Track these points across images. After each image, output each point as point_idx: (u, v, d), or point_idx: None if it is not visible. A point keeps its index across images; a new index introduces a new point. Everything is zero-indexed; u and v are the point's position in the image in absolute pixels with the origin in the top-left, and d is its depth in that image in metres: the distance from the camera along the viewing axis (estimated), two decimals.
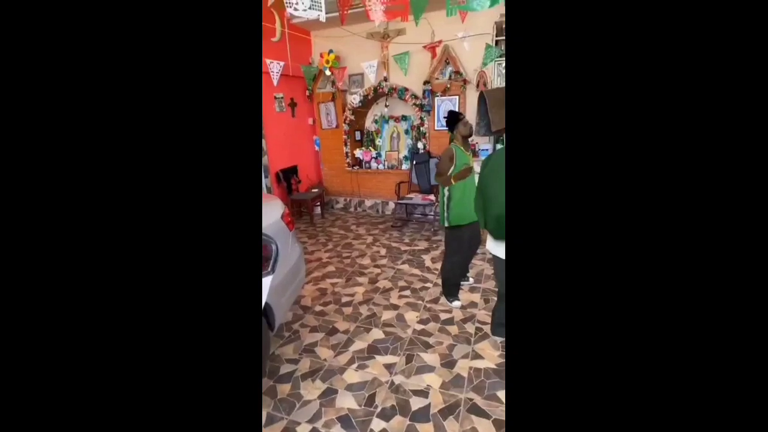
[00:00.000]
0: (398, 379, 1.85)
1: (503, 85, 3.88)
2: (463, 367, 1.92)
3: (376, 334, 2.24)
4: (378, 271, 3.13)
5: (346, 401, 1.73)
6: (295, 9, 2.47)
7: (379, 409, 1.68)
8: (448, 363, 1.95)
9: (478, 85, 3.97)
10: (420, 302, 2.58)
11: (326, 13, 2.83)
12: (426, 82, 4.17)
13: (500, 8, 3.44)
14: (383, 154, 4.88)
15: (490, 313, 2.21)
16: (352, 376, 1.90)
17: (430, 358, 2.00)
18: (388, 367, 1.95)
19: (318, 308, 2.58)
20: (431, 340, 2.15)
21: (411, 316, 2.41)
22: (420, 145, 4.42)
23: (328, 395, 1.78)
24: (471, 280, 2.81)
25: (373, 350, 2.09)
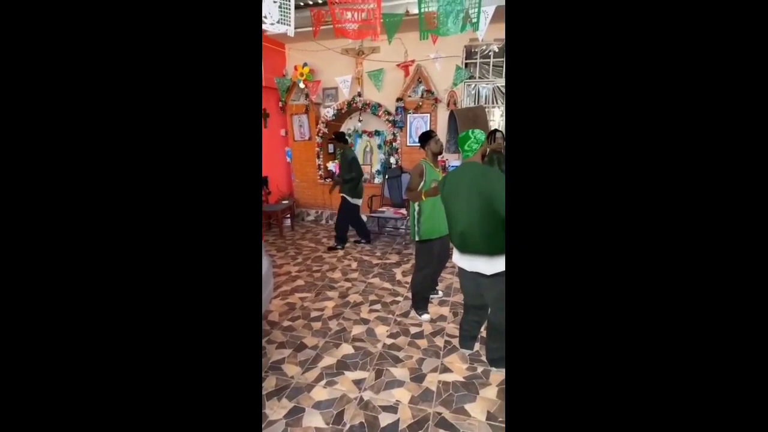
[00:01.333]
0: (367, 395, 1.83)
1: (472, 104, 4.06)
2: (432, 380, 1.93)
3: (346, 349, 2.21)
4: (349, 284, 3.11)
5: (314, 420, 1.68)
6: (263, 21, 2.48)
7: (347, 427, 1.64)
8: (418, 377, 1.95)
9: (448, 104, 4.12)
10: (390, 316, 2.58)
11: (300, 27, 2.85)
12: (399, 99, 4.28)
13: (470, 34, 3.63)
14: None
15: (458, 326, 2.25)
16: (320, 393, 1.85)
17: (400, 372, 2.00)
18: (358, 382, 1.92)
19: (286, 323, 2.51)
20: (401, 354, 2.15)
21: (381, 330, 2.40)
22: (393, 160, 4.49)
23: (295, 414, 1.72)
24: (440, 293, 2.85)
25: (342, 366, 2.05)
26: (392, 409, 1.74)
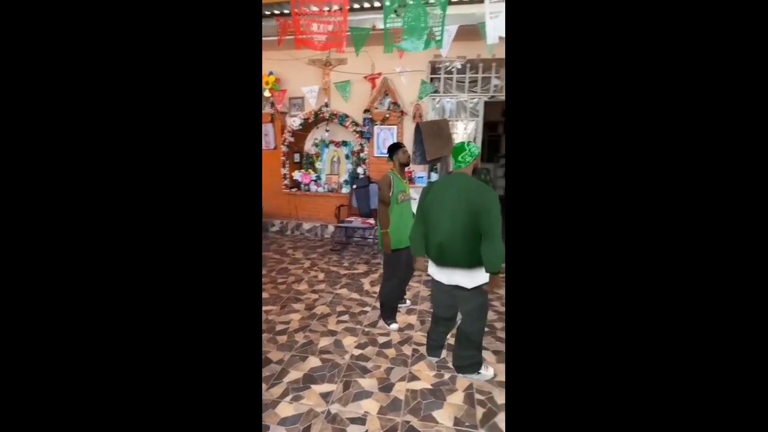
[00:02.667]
0: (335, 408, 1.79)
1: (437, 118, 4.20)
2: (400, 389, 1.93)
3: (313, 362, 2.16)
4: (315, 296, 3.05)
5: None
6: None
7: None
8: (386, 387, 1.95)
9: (414, 117, 4.23)
10: (358, 327, 2.56)
11: (267, 36, 2.83)
12: (366, 111, 4.33)
13: (434, 50, 3.79)
14: (323, 177, 4.88)
15: (426, 335, 2.28)
16: (285, 409, 1.79)
17: (368, 383, 1.98)
18: (325, 396, 1.88)
19: None
20: (369, 365, 2.13)
21: (349, 341, 2.38)
22: (360, 170, 4.52)
23: None
24: (408, 302, 2.87)
25: (308, 380, 2.00)
26: (360, 420, 1.72)
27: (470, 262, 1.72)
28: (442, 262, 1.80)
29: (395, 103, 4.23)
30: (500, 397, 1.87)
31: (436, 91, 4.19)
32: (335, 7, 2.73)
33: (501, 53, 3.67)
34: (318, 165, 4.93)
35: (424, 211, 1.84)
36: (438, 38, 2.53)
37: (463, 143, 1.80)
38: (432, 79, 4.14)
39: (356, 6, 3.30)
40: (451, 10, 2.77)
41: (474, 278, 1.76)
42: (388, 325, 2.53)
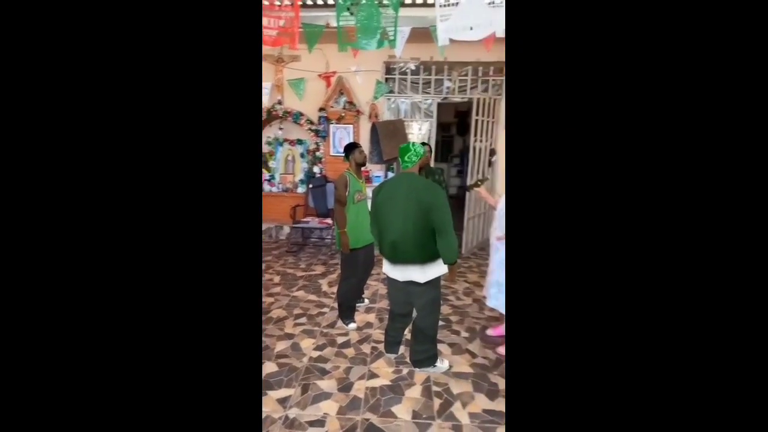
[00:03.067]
0: (293, 413, 1.75)
1: (393, 118, 4.26)
2: (359, 388, 1.93)
3: (269, 367, 2.09)
4: (271, 300, 2.96)
5: None
6: None
7: None
8: (345, 387, 1.94)
9: (370, 117, 4.25)
10: (317, 328, 2.53)
11: None
12: (321, 109, 4.27)
13: (389, 50, 3.83)
14: (277, 176, 4.73)
15: (384, 332, 2.30)
16: None
17: (327, 384, 1.96)
18: (282, 401, 1.83)
19: None
20: (328, 366, 2.11)
21: (307, 344, 2.34)
22: (317, 169, 4.44)
23: None
24: (366, 301, 2.89)
25: (265, 386, 1.94)
26: (320, 423, 1.70)
27: (423, 257, 1.78)
28: (396, 259, 1.84)
29: (351, 102, 4.22)
30: (456, 388, 1.94)
31: (391, 92, 4.24)
32: (286, 2, 2.66)
33: (453, 56, 3.80)
34: (272, 164, 4.77)
35: (376, 211, 1.88)
36: (391, 38, 2.57)
37: (408, 144, 1.86)
38: (387, 80, 4.19)
39: (309, 2, 3.24)
40: (404, 12, 2.82)
41: (426, 273, 1.82)
42: (347, 324, 2.53)
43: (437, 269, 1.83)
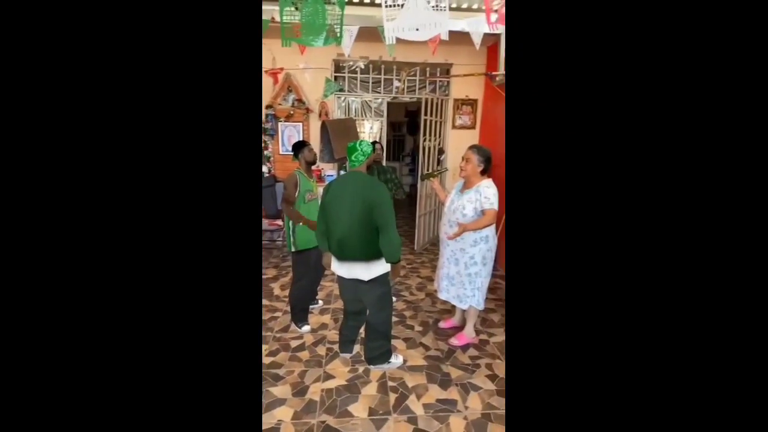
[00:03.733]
0: None
1: (343, 116, 4.23)
2: (314, 391, 1.90)
3: None
4: None
5: None
6: None
7: None
8: (300, 391, 1.90)
9: (320, 115, 4.18)
10: (269, 334, 2.44)
11: None
12: (269, 107, 4.12)
13: (338, 48, 3.80)
14: None
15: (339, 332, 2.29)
16: None
17: (281, 390, 1.90)
18: None
19: None
20: (282, 371, 2.05)
21: None
22: (265, 168, 4.28)
23: None
24: (320, 302, 2.84)
25: None
26: (274, 430, 1.64)
27: (367, 255, 1.81)
28: (343, 256, 1.85)
29: (300, 100, 4.12)
30: (410, 381, 1.99)
31: (341, 90, 4.21)
32: None
33: (401, 56, 3.87)
34: None
35: (325, 209, 1.88)
36: (338, 35, 2.54)
37: (355, 143, 1.88)
38: (336, 78, 4.15)
39: None
40: (353, 10, 2.81)
41: (371, 270, 1.85)
42: (300, 327, 2.47)
43: (382, 267, 1.87)
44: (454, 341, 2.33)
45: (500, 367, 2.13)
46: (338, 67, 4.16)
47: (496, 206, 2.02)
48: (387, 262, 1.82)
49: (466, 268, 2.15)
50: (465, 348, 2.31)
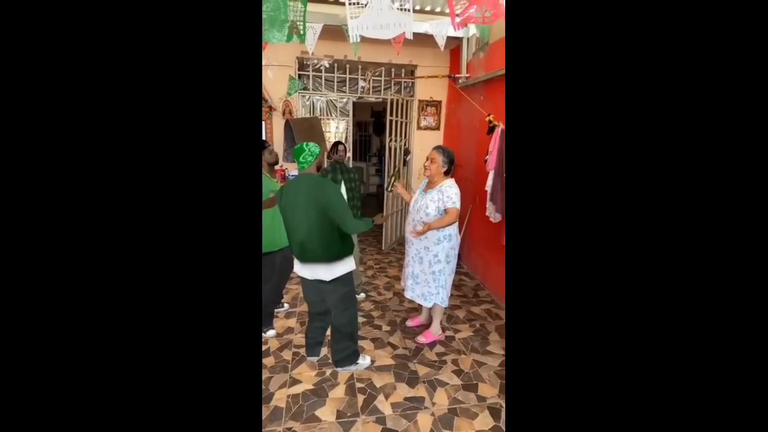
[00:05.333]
0: None
1: (308, 115, 4.15)
2: (280, 397, 1.85)
3: None
4: None
5: None
6: None
7: None
8: (266, 398, 1.84)
9: (284, 113, 4.08)
10: None
11: None
12: None
13: (302, 46, 3.72)
14: None
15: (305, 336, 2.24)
16: None
17: None
18: None
19: None
20: None
21: None
22: None
23: None
24: (285, 305, 2.77)
25: None
26: None
27: (328, 255, 1.80)
28: (305, 258, 1.83)
29: (263, 98, 3.99)
30: (378, 381, 1.99)
31: (305, 88, 4.13)
32: None
33: (366, 56, 3.86)
34: None
35: (282, 213, 1.86)
36: (301, 32, 2.49)
37: (302, 144, 1.85)
38: (300, 76, 4.06)
39: None
40: (317, 8, 2.76)
41: (333, 270, 1.84)
42: (265, 332, 2.39)
43: (344, 266, 1.87)
44: (421, 339, 2.37)
45: (466, 362, 2.18)
46: (302, 65, 4.08)
47: (458, 205, 2.07)
48: (367, 229, 1.80)
49: (431, 266, 2.19)
50: (432, 345, 2.35)
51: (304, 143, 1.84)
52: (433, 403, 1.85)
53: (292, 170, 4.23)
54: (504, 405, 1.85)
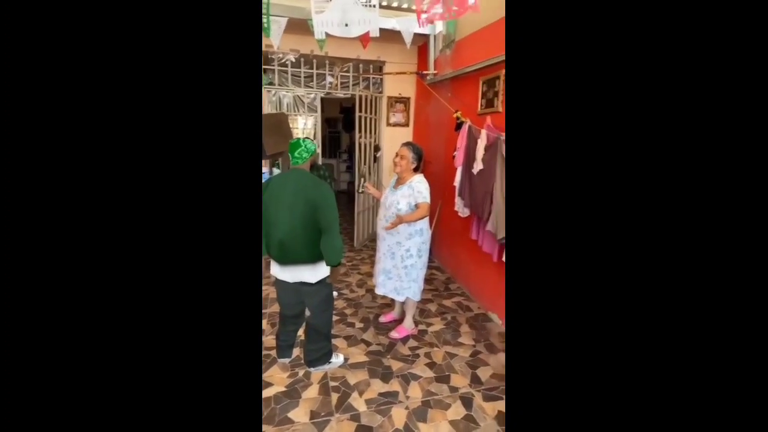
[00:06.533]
0: None
1: (275, 111, 4.04)
2: None
3: None
4: None
5: None
6: None
7: None
8: None
9: None
10: None
11: None
12: None
13: (266, 40, 3.61)
14: None
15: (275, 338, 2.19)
16: None
17: None
18: None
19: None
20: None
21: None
22: None
23: None
24: None
25: None
26: None
27: (312, 257, 1.75)
28: (285, 259, 1.76)
29: None
30: (352, 378, 1.98)
31: (271, 83, 4.01)
32: None
33: (333, 51, 3.81)
34: None
35: (264, 208, 1.76)
36: (265, 26, 2.41)
37: (299, 139, 1.81)
38: (266, 71, 3.94)
39: None
40: (281, 0, 2.68)
41: (317, 272, 1.80)
42: None
43: (326, 267, 1.82)
44: (395, 334, 2.38)
45: (438, 355, 2.22)
46: (267, 59, 3.96)
47: (428, 199, 2.10)
48: (327, 264, 1.76)
49: (403, 260, 2.21)
50: (405, 340, 2.37)
51: (301, 139, 1.80)
52: (407, 397, 1.87)
53: (263, 168, 4.10)
54: (475, 394, 1.90)
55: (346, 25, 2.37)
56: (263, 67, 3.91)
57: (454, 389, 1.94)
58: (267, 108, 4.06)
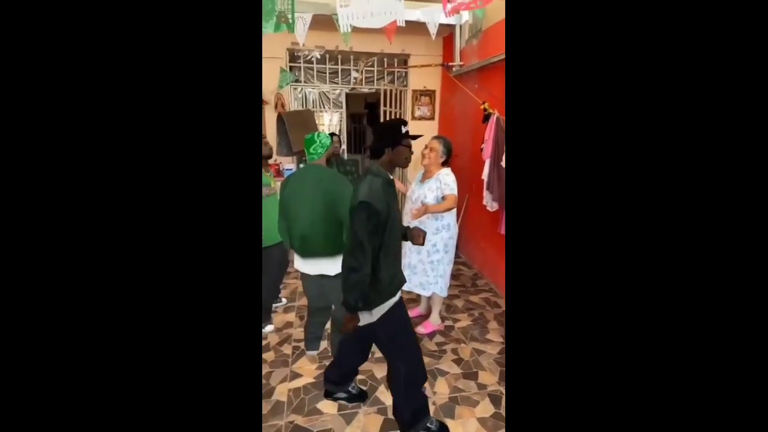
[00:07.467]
0: None
1: (300, 108, 4.10)
2: (282, 391, 1.85)
3: None
4: None
5: None
6: None
7: None
8: (266, 393, 1.84)
9: (276, 107, 4.02)
10: None
11: None
12: None
13: (292, 37, 3.65)
14: None
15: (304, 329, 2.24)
16: None
17: None
18: None
19: None
20: None
21: None
22: None
23: None
24: (284, 300, 2.76)
25: None
26: None
27: (332, 249, 1.77)
28: (306, 253, 1.80)
29: None
30: (379, 372, 1.99)
31: (297, 81, 4.07)
32: None
33: (358, 46, 3.80)
34: None
35: (284, 204, 1.82)
36: (290, 22, 2.44)
37: (313, 135, 1.82)
38: (291, 68, 4.00)
39: None
40: None
41: (337, 265, 1.81)
42: (263, 327, 2.39)
43: None
44: (421, 329, 2.37)
45: (465, 351, 2.19)
46: (293, 56, 4.01)
47: (455, 191, 2.06)
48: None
49: (429, 255, 2.18)
50: (431, 335, 2.36)
51: (316, 134, 1.81)
52: (434, 393, 1.85)
53: (287, 164, 4.19)
54: (504, 392, 1.86)
55: (372, 15, 2.35)
56: (290, 64, 3.97)
57: (482, 386, 1.90)
58: (293, 105, 4.13)
